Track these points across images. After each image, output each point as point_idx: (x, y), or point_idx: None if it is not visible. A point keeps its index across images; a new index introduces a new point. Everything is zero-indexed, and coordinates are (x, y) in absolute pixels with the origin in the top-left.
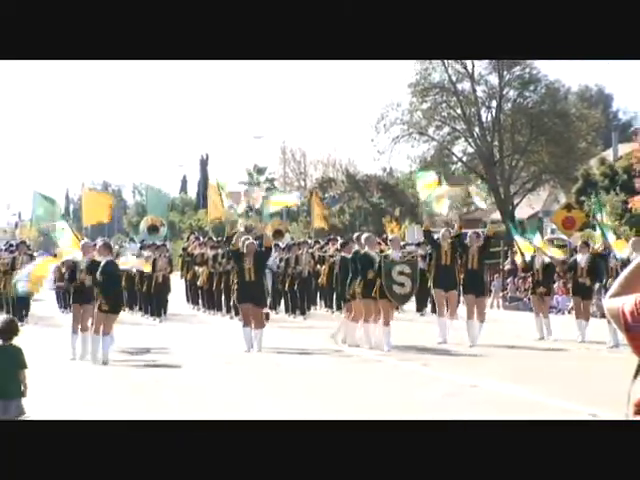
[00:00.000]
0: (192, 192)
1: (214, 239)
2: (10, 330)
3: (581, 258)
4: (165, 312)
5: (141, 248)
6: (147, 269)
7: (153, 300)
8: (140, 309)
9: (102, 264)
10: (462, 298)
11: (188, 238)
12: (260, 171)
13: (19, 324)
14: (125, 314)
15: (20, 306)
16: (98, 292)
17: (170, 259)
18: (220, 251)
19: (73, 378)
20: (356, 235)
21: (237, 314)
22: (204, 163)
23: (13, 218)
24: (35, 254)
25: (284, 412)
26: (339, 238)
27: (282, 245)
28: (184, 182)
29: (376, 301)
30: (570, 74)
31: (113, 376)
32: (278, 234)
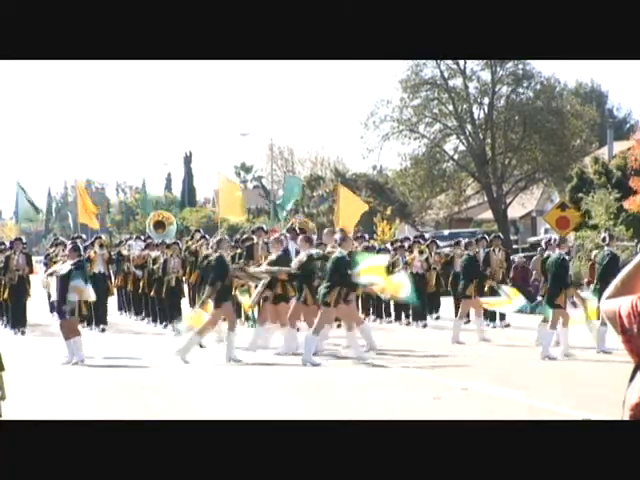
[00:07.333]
0: (177, 190)
1: (227, 238)
2: None
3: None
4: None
5: (147, 247)
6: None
7: (165, 306)
8: (148, 315)
9: None
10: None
11: (192, 236)
12: (247, 169)
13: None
14: (130, 321)
15: (16, 315)
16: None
17: (183, 260)
18: (238, 251)
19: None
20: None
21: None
22: (188, 160)
23: None
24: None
25: (278, 412)
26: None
27: None
28: (169, 180)
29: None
30: (564, 70)
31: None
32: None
